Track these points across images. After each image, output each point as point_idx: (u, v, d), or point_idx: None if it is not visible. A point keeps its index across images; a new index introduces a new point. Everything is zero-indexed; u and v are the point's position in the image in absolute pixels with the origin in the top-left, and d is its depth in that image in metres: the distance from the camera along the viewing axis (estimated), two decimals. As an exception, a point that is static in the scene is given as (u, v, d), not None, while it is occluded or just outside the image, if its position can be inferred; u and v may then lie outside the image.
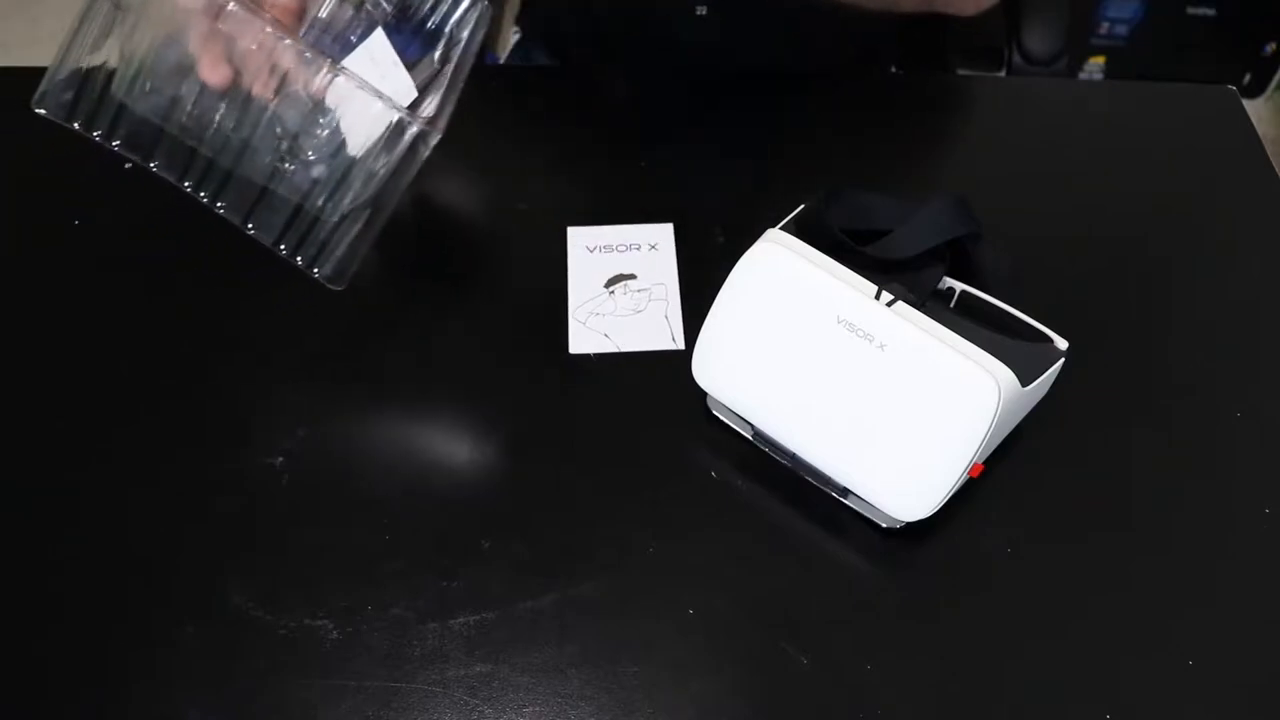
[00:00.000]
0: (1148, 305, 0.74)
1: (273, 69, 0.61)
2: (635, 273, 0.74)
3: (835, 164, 0.83)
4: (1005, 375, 0.55)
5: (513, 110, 0.88)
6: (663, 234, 0.76)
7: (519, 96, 0.89)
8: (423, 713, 0.55)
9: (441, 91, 0.64)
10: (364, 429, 0.66)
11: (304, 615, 0.58)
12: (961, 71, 1.15)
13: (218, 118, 0.63)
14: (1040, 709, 0.56)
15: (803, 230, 0.62)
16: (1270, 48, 1.92)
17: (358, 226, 0.65)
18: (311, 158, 0.64)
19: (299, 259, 0.66)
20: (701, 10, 0.91)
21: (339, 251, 0.65)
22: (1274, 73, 1.96)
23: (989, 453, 0.59)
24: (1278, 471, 0.65)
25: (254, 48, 0.61)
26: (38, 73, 0.89)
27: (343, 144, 0.63)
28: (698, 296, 0.66)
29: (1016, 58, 1.08)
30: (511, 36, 1.25)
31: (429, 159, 0.82)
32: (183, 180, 0.66)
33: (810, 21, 0.84)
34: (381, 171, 0.63)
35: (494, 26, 1.23)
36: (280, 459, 0.64)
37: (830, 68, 0.88)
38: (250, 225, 0.66)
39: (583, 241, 0.76)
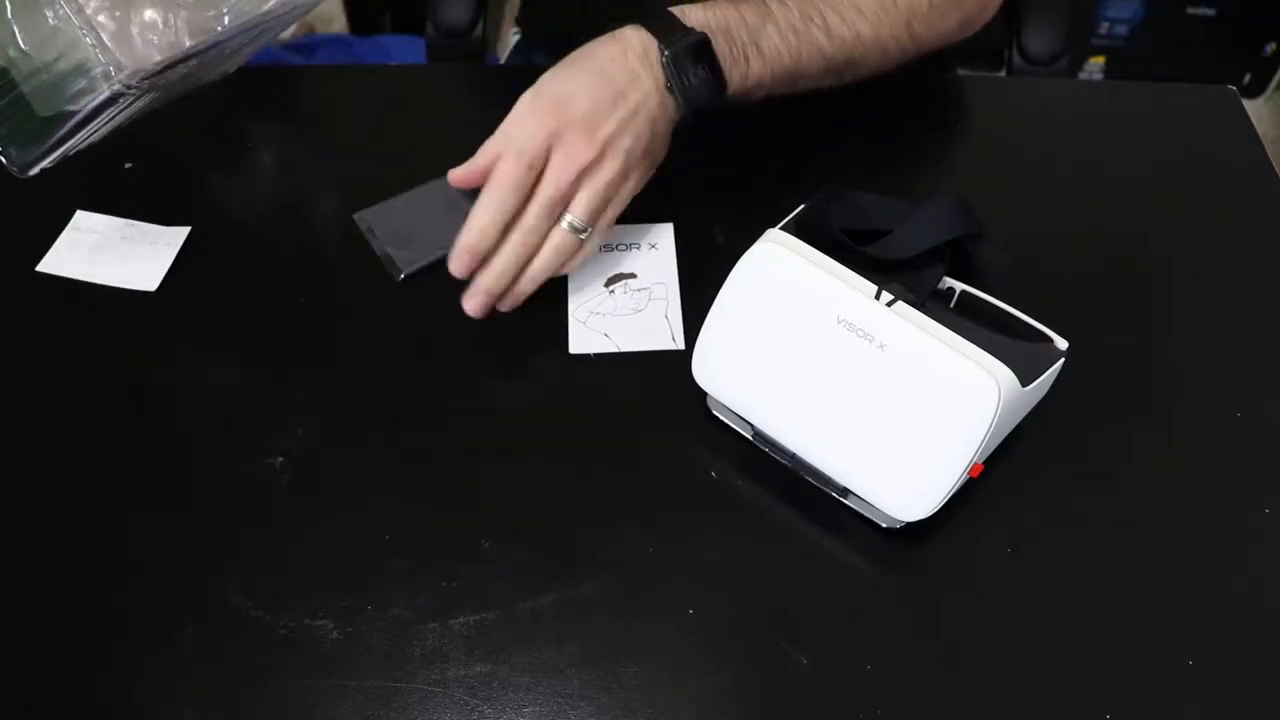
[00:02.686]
0: (1148, 305, 0.74)
1: None
2: (635, 272, 0.74)
3: (835, 164, 0.83)
4: (1005, 375, 0.55)
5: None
6: (663, 234, 0.76)
7: (519, 97, 0.89)
8: (423, 713, 0.55)
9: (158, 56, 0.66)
10: (364, 429, 0.66)
11: (304, 615, 0.58)
12: (961, 71, 1.15)
13: None
14: (1040, 709, 0.56)
15: (803, 230, 0.62)
16: (1270, 48, 1.92)
17: (66, 125, 0.67)
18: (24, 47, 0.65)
19: None
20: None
21: (39, 145, 0.67)
22: (1274, 73, 1.96)
23: (989, 453, 0.59)
24: (1278, 471, 0.65)
25: None
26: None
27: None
28: (698, 296, 0.66)
29: (1016, 58, 1.08)
30: (511, 36, 1.25)
31: (426, 156, 0.82)
32: None
33: None
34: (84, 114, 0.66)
35: (493, 26, 1.24)
36: (280, 459, 0.64)
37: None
38: None
39: (583, 241, 0.76)
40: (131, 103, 0.68)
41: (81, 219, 0.77)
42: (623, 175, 0.68)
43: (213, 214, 0.78)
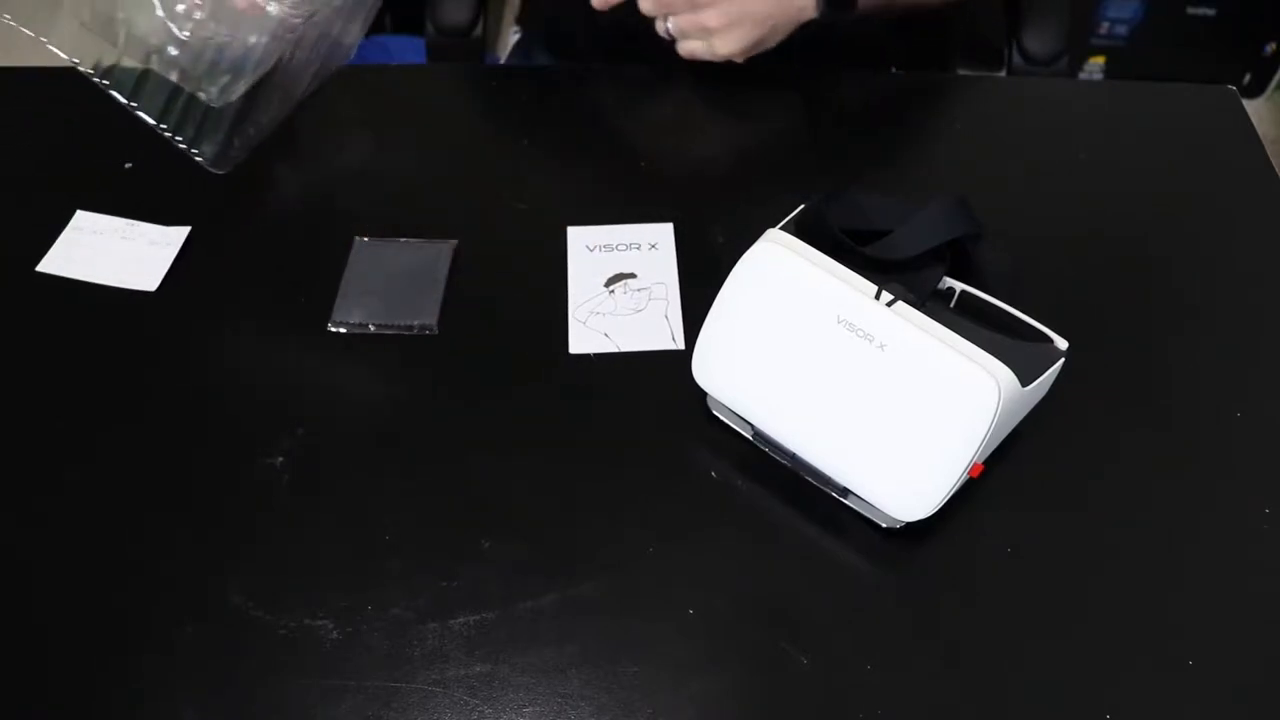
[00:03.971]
0: (1148, 305, 0.74)
1: None
2: (635, 272, 0.74)
3: (835, 164, 0.83)
4: (1005, 375, 0.55)
5: (513, 110, 0.88)
6: (663, 234, 0.76)
7: (519, 96, 0.89)
8: (423, 713, 0.55)
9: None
10: (363, 429, 0.66)
11: (304, 615, 0.58)
12: (961, 71, 1.15)
13: None
14: (1040, 709, 0.56)
15: (803, 230, 0.62)
16: (1270, 48, 1.92)
17: (234, 110, 0.71)
18: (185, 37, 0.68)
19: (179, 139, 0.71)
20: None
21: (219, 135, 0.71)
22: (1274, 73, 1.96)
23: (989, 453, 0.59)
24: (1278, 471, 0.65)
25: None
26: (38, 73, 0.90)
27: (218, 29, 0.68)
28: (698, 296, 0.66)
29: (1016, 58, 1.08)
30: (511, 36, 1.25)
31: (426, 156, 0.83)
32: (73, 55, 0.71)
33: (812, 23, 0.85)
34: (257, 58, 0.69)
35: (493, 26, 1.24)
36: (280, 459, 0.64)
37: (831, 68, 0.88)
38: (134, 103, 0.71)
39: (583, 241, 0.76)
40: (286, 61, 0.71)
41: (81, 219, 0.77)
42: (716, 26, 0.81)
43: (213, 214, 0.78)
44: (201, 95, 0.70)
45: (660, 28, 0.85)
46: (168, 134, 0.72)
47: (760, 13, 0.82)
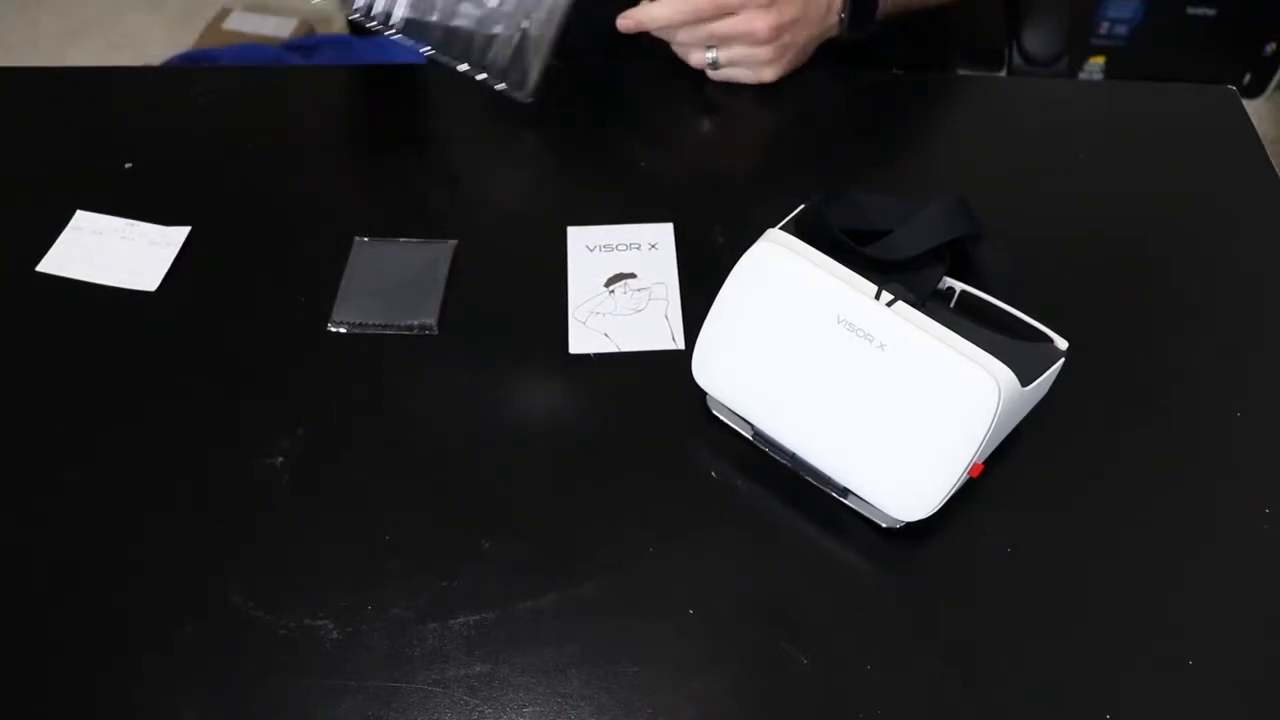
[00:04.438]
0: (1148, 305, 0.74)
1: None
2: (635, 272, 0.74)
3: (835, 164, 0.83)
4: (1005, 375, 0.55)
5: (512, 110, 0.88)
6: (663, 233, 0.76)
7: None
8: (423, 713, 0.55)
9: None
10: (364, 429, 0.66)
11: (304, 615, 0.58)
12: (961, 71, 1.15)
13: None
14: (1040, 709, 0.56)
15: (803, 230, 0.62)
16: (1270, 48, 1.92)
17: (516, 39, 0.77)
18: None
19: (483, 76, 0.78)
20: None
21: (520, 65, 0.78)
22: (1274, 73, 1.96)
23: (989, 453, 0.59)
24: (1278, 471, 0.65)
25: None
26: (38, 73, 0.90)
27: None
28: (698, 296, 0.66)
29: (1016, 58, 1.08)
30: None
31: (426, 156, 0.83)
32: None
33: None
34: None
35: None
36: (280, 459, 0.64)
37: (831, 68, 0.88)
38: (431, 48, 0.78)
39: (583, 241, 0.76)
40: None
41: (81, 219, 0.77)
42: (769, 59, 0.84)
43: (213, 214, 0.78)
44: (497, 29, 0.75)
45: (697, 59, 0.85)
46: (469, 71, 0.78)
47: (803, 39, 0.85)
